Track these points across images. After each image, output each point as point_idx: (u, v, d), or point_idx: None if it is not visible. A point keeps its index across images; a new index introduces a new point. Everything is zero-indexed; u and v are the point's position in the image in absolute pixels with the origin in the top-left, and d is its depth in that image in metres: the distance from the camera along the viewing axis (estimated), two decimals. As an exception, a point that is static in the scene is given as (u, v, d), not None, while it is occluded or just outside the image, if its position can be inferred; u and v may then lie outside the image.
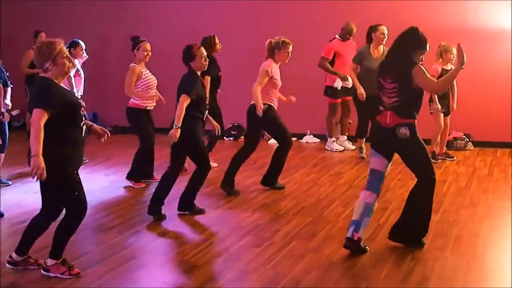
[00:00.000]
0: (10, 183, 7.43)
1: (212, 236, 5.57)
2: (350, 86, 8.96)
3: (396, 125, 4.98)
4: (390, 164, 5.12)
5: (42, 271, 4.61)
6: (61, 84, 4.54)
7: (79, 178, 4.54)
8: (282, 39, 6.84)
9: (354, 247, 5.03)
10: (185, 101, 5.85)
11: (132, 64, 7.19)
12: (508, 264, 4.80)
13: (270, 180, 7.16)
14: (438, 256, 4.97)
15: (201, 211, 6.22)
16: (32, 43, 10.30)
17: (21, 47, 10.75)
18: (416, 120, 5.02)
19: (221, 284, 4.45)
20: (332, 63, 9.10)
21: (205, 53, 6.03)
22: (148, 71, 7.25)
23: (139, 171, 7.34)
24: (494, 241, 5.47)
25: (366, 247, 5.09)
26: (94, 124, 4.88)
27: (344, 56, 9.05)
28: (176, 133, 5.80)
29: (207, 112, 6.14)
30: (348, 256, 4.98)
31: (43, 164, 4.22)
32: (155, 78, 7.29)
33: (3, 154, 6.98)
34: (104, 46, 10.93)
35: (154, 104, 7.30)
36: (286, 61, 6.94)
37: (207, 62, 6.07)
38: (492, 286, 4.54)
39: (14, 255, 4.74)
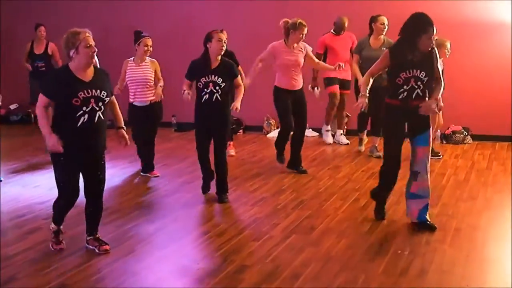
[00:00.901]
0: (2, 178, 7.32)
1: (211, 230, 5.56)
2: (316, 96, 9.10)
3: None
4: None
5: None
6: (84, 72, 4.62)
7: (75, 165, 4.72)
8: (299, 21, 7.15)
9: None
10: (184, 83, 6.28)
11: (131, 58, 7.20)
12: (507, 257, 4.79)
13: (291, 164, 7.64)
14: (437, 249, 4.98)
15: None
16: (32, 36, 10.31)
17: (21, 40, 10.69)
18: (391, 100, 5.32)
19: (220, 278, 4.45)
20: (325, 56, 9.20)
21: (223, 38, 6.13)
22: (139, 66, 7.17)
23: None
24: (493, 234, 5.48)
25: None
26: (123, 130, 5.13)
27: (337, 50, 9.13)
28: None
29: (213, 91, 6.15)
30: (347, 249, 4.99)
31: (56, 139, 4.51)
32: (146, 73, 7.16)
33: None
34: (105, 38, 10.88)
35: (145, 101, 7.21)
36: (299, 43, 7.26)
37: (224, 47, 6.14)
38: (491, 278, 4.54)
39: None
